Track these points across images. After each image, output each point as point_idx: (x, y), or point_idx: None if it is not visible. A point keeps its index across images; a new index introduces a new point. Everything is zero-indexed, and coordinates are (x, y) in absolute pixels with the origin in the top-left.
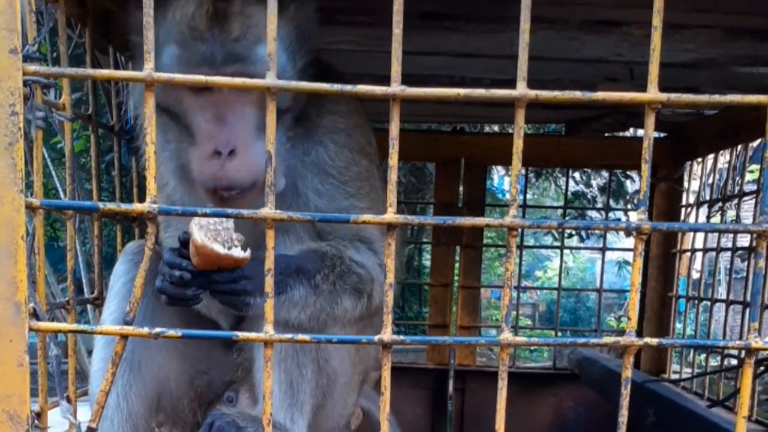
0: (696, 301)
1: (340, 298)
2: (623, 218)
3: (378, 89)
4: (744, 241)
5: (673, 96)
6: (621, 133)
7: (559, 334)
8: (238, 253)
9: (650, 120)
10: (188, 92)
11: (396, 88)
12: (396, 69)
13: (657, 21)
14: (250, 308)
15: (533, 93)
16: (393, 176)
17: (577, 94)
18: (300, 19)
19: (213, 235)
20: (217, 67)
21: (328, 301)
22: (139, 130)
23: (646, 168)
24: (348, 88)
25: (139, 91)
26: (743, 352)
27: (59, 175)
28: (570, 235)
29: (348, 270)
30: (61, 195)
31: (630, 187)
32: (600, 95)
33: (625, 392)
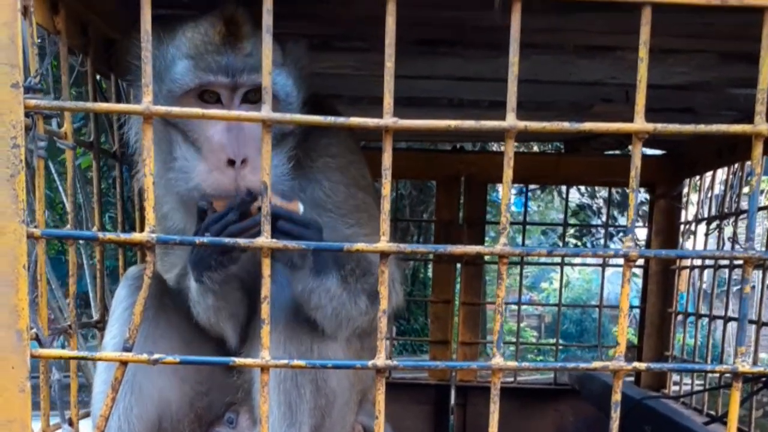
0: (696, 316)
1: (359, 297)
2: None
3: (370, 121)
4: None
5: (660, 126)
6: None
7: (563, 348)
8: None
9: (637, 149)
10: (197, 104)
11: (388, 120)
12: (388, 101)
13: (643, 53)
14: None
15: (522, 124)
16: (386, 206)
17: (565, 125)
18: (298, 52)
19: None
20: (234, 76)
21: (350, 297)
22: (137, 158)
23: (633, 196)
24: (341, 119)
25: (138, 121)
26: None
27: (66, 189)
28: (564, 254)
29: (368, 270)
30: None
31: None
32: (587, 126)
33: (615, 415)
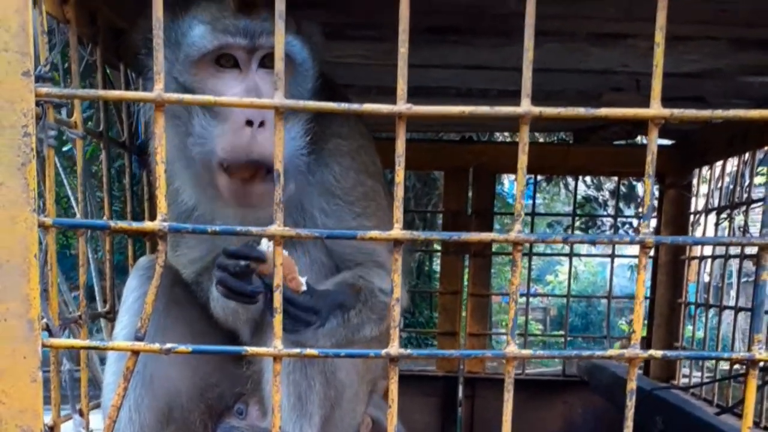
0: (705, 307)
1: (363, 327)
2: (634, 223)
3: (384, 107)
4: (753, 247)
5: (677, 111)
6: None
7: (569, 339)
8: (304, 280)
9: (653, 135)
10: (215, 70)
11: (402, 106)
12: (402, 87)
13: (659, 38)
14: (298, 334)
15: (537, 110)
16: (399, 193)
17: (581, 111)
18: (312, 30)
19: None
20: (252, 38)
21: (352, 330)
22: (150, 136)
23: (649, 183)
24: (354, 106)
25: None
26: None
27: (71, 183)
28: (580, 241)
29: (377, 302)
30: (73, 204)
31: (641, 190)
32: (603, 112)
33: (630, 404)
